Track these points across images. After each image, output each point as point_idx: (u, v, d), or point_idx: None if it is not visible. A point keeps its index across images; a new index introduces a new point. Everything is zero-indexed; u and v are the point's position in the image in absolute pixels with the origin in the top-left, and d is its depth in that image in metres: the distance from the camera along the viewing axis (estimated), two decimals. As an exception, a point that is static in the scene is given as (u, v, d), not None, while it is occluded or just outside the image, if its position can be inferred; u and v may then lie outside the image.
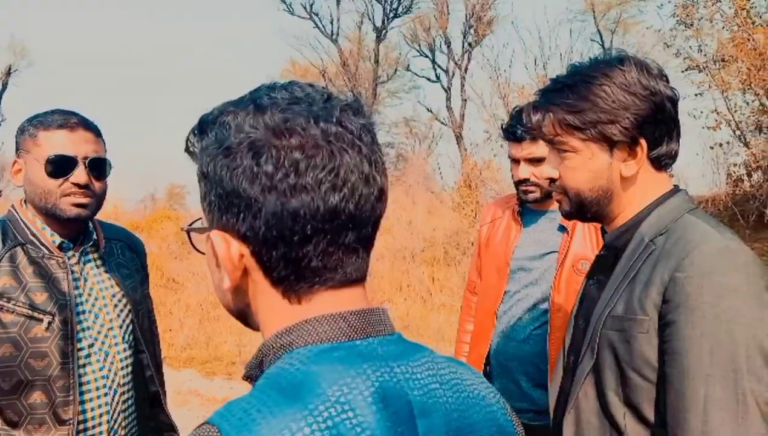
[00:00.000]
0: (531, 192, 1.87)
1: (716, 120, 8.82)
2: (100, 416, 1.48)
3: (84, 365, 1.45)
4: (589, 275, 1.23)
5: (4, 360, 1.37)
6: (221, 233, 0.58)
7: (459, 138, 15.82)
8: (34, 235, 1.45)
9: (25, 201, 1.49)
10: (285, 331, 0.58)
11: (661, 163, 1.11)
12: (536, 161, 1.83)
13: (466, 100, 15.75)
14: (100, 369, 1.49)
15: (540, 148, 1.81)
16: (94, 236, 1.55)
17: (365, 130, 0.59)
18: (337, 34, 17.22)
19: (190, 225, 0.63)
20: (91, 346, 1.48)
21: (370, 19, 17.26)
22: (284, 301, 0.59)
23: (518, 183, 1.89)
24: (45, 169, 1.39)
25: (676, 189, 1.13)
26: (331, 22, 17.14)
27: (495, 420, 0.62)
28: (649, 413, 1.02)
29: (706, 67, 8.79)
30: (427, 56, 17.51)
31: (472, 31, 15.85)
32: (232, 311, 0.64)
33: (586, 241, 1.84)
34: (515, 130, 1.84)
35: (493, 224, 2.04)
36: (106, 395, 1.49)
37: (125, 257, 1.62)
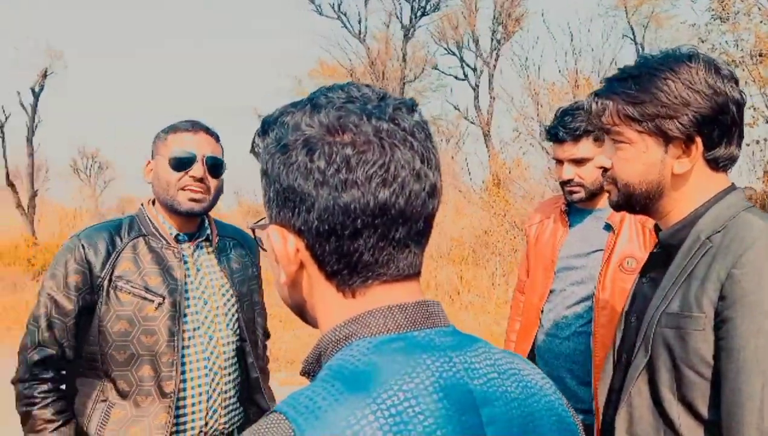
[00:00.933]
0: (576, 192, 1.88)
1: (753, 116, 8.59)
2: (200, 394, 1.63)
3: (188, 346, 1.61)
4: (642, 273, 1.23)
5: (120, 335, 1.55)
6: (279, 227, 0.61)
7: (487, 136, 15.70)
8: (155, 228, 1.64)
9: (152, 201, 1.69)
10: (343, 324, 0.60)
11: (719, 164, 1.10)
12: (579, 162, 1.85)
13: (494, 98, 15.62)
14: (203, 351, 1.64)
15: (581, 149, 1.84)
16: (208, 232, 1.72)
17: (419, 127, 0.60)
18: (365, 34, 17.24)
19: (256, 223, 0.66)
20: (196, 329, 1.64)
21: (398, 17, 17.26)
22: (339, 295, 0.61)
23: (563, 184, 1.91)
24: (169, 163, 1.58)
25: (732, 187, 1.11)
26: (359, 22, 17.18)
27: (554, 410, 0.63)
28: (704, 410, 1.02)
29: (743, 62, 8.56)
30: (454, 54, 17.41)
31: (500, 27, 15.71)
32: (291, 307, 0.67)
33: (633, 239, 1.84)
34: (557, 131, 1.86)
35: (541, 224, 2.06)
36: (206, 375, 1.64)
37: (236, 253, 1.78)
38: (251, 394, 1.76)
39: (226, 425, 1.68)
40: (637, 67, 1.11)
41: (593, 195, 1.89)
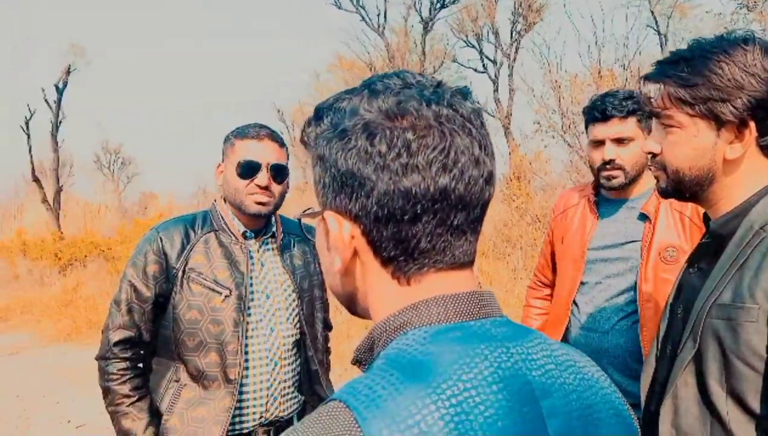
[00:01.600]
0: (615, 177, 1.81)
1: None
2: (261, 382, 1.73)
3: (251, 336, 1.71)
4: (689, 263, 1.20)
5: (190, 322, 1.67)
6: (334, 213, 0.60)
7: (507, 129, 15.58)
8: (226, 224, 1.76)
9: (224, 197, 1.78)
10: (398, 313, 0.59)
11: None
12: (622, 142, 1.79)
13: (514, 90, 15.49)
14: (265, 342, 1.74)
15: (628, 127, 1.77)
16: (274, 229, 1.82)
17: (475, 114, 0.60)
18: (384, 27, 17.19)
19: (304, 212, 0.66)
20: (259, 321, 1.74)
21: (417, 10, 17.17)
22: (394, 282, 0.60)
23: (601, 167, 1.83)
24: (236, 171, 1.69)
25: None
26: (378, 15, 17.14)
27: (611, 403, 0.62)
28: (754, 403, 0.99)
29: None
30: (474, 47, 17.28)
31: (521, 19, 15.55)
32: (341, 296, 0.66)
33: (671, 228, 1.78)
34: (605, 107, 1.78)
35: (565, 215, 2.00)
36: (267, 365, 1.74)
37: (299, 249, 1.87)
38: (311, 384, 1.85)
39: (285, 413, 1.78)
40: (689, 50, 1.08)
41: (632, 180, 1.82)
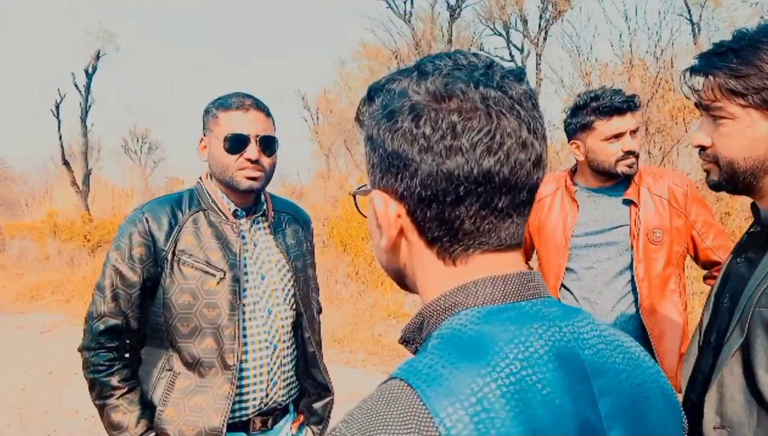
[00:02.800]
0: (634, 163, 1.93)
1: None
2: (261, 366, 1.65)
3: (248, 319, 1.63)
4: (737, 253, 1.19)
5: (183, 307, 1.58)
6: (381, 192, 0.61)
7: (533, 119, 15.39)
8: (214, 202, 1.66)
9: (209, 174, 1.69)
10: (449, 293, 0.59)
11: None
12: (634, 132, 1.92)
13: (541, 79, 15.30)
14: (263, 324, 1.66)
15: (638, 120, 1.91)
16: (265, 207, 1.73)
17: (526, 96, 0.59)
18: (411, 15, 17.07)
19: (358, 189, 0.67)
20: (256, 303, 1.66)
21: (443, -2, 17.00)
22: (439, 262, 0.60)
23: (621, 158, 1.93)
24: (223, 146, 1.58)
25: None
26: (405, 2, 17.01)
27: (658, 382, 0.62)
28: None
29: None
30: (501, 35, 17.10)
31: (550, 6, 15.32)
32: (390, 271, 0.67)
33: (654, 211, 1.93)
34: (621, 104, 1.88)
35: (542, 204, 2.08)
36: (266, 348, 1.66)
37: (291, 227, 1.80)
38: (308, 367, 1.79)
39: (284, 398, 1.72)
40: (735, 41, 1.06)
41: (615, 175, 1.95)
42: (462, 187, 0.56)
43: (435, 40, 17.25)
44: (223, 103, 1.61)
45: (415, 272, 0.63)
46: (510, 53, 17.02)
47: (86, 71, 16.14)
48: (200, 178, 1.71)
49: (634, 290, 1.91)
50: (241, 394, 1.62)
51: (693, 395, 1.17)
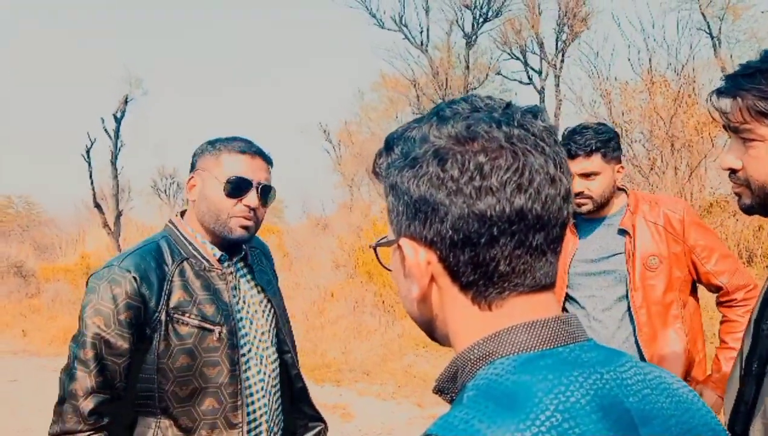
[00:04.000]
0: (584, 204, 2.01)
1: None
2: (261, 416, 1.57)
3: (246, 370, 1.54)
4: None
5: (181, 370, 1.44)
6: (409, 240, 0.60)
7: (555, 140, 15.33)
8: (195, 249, 1.53)
9: (181, 214, 1.58)
10: (483, 341, 0.58)
11: None
12: (588, 176, 1.98)
13: (561, 100, 15.27)
14: (258, 372, 1.58)
15: (593, 164, 1.99)
16: (244, 247, 1.64)
17: (547, 132, 0.59)
18: (427, 44, 17.29)
19: (379, 241, 0.66)
20: (249, 351, 1.57)
21: (459, 25, 17.20)
22: (474, 308, 0.59)
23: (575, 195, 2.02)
24: (223, 188, 1.48)
25: None
26: (421, 33, 17.24)
27: (708, 425, 0.59)
28: None
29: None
30: (518, 59, 17.17)
31: (566, 28, 15.37)
32: (419, 322, 0.65)
33: (649, 239, 1.99)
34: (569, 147, 1.97)
35: None
36: (264, 396, 1.59)
37: (263, 264, 1.72)
38: (298, 404, 1.73)
39: None
40: (763, 61, 1.05)
41: (600, 206, 2.03)
42: (495, 227, 0.56)
43: (452, 68, 17.40)
44: (227, 145, 1.52)
45: (447, 320, 0.61)
46: (528, 76, 17.06)
47: (115, 116, 16.62)
48: (170, 222, 1.58)
49: (632, 317, 1.97)
50: None
51: (737, 427, 1.12)
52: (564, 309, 2.07)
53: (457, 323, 0.60)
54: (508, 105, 0.60)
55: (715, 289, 2.01)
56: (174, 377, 1.44)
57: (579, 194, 2.00)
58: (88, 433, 1.39)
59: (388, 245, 0.64)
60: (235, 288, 1.58)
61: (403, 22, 17.11)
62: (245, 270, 1.65)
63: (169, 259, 1.49)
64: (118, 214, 16.37)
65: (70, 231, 19.59)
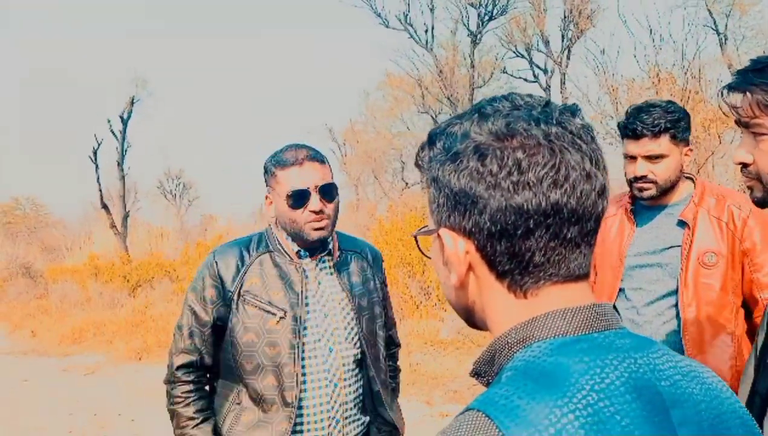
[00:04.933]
0: (647, 189, 1.86)
1: None
2: (321, 405, 1.70)
3: (309, 357, 1.69)
4: None
5: (247, 345, 1.67)
6: (449, 230, 0.63)
7: (561, 138, 15.31)
8: (280, 244, 1.75)
9: (277, 222, 1.77)
10: (520, 326, 0.61)
11: None
12: (654, 158, 1.83)
13: (567, 98, 15.23)
14: (324, 363, 1.71)
15: (660, 146, 1.82)
16: (330, 247, 1.79)
17: (585, 130, 0.61)
18: (432, 43, 17.28)
19: (420, 230, 0.69)
20: (317, 341, 1.71)
21: (464, 24, 17.19)
22: (510, 296, 0.62)
23: (633, 180, 1.88)
24: (287, 203, 1.66)
25: None
26: (426, 32, 17.23)
27: (737, 412, 0.62)
28: None
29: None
30: (523, 57, 17.14)
31: (572, 26, 15.33)
32: (458, 309, 0.69)
33: (709, 234, 1.83)
34: (635, 126, 1.83)
35: (605, 223, 2.01)
36: (327, 386, 1.70)
37: (357, 265, 1.84)
38: (374, 406, 1.80)
39: (349, 435, 1.75)
40: None
41: (664, 192, 1.88)
42: (531, 220, 0.58)
43: (458, 66, 17.39)
44: (279, 161, 1.69)
45: (484, 307, 0.64)
46: (534, 74, 17.04)
47: (121, 117, 16.70)
48: (270, 223, 1.81)
49: (678, 314, 1.83)
50: (301, 432, 1.68)
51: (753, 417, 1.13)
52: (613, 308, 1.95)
53: (495, 309, 0.63)
54: (548, 103, 0.62)
55: (752, 301, 1.83)
56: (241, 351, 1.67)
57: (642, 178, 1.85)
58: (176, 384, 1.72)
59: (429, 233, 0.67)
60: (314, 282, 1.75)
61: (408, 21, 17.10)
62: (332, 269, 1.79)
63: (254, 250, 1.74)
64: (126, 215, 16.45)
65: (77, 232, 19.70)
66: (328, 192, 1.68)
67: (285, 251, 1.74)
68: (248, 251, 1.73)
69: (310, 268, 1.75)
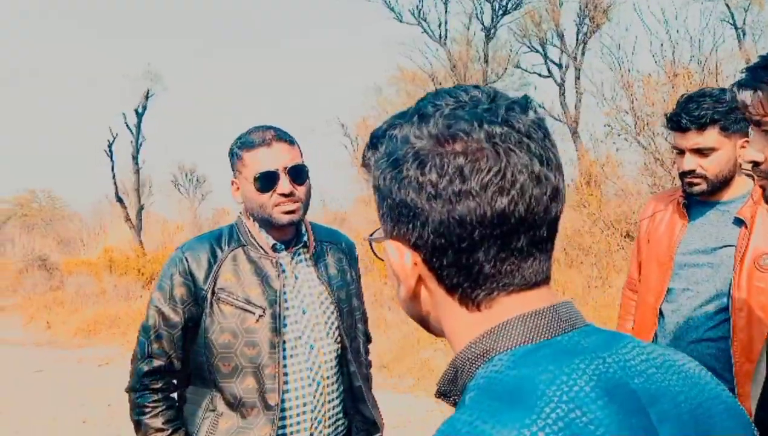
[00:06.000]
0: (696, 184, 1.77)
1: None
2: (304, 405, 1.61)
3: (290, 356, 1.60)
4: None
5: (223, 347, 1.56)
6: (395, 242, 0.60)
7: (575, 134, 15.20)
8: (253, 237, 1.64)
9: (247, 211, 1.67)
10: (478, 340, 0.57)
11: None
12: (702, 152, 1.74)
13: (581, 93, 15.10)
14: (306, 361, 1.62)
15: (706, 139, 1.72)
16: (306, 238, 1.70)
17: (534, 126, 0.56)
18: (446, 37, 17.20)
19: (371, 235, 0.65)
20: (298, 338, 1.62)
21: (478, 18, 17.09)
22: (462, 309, 0.59)
23: (683, 175, 1.79)
24: (254, 186, 1.57)
25: None
26: (439, 26, 17.15)
27: (720, 398, 0.58)
28: None
29: None
30: (538, 51, 17.01)
31: (587, 20, 15.18)
32: (413, 318, 0.65)
33: None
34: (679, 118, 1.75)
35: (653, 218, 1.94)
36: (309, 385, 1.62)
37: (334, 257, 1.75)
38: (355, 403, 1.73)
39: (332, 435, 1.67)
40: None
41: (716, 188, 1.77)
42: (476, 232, 0.54)
43: (471, 61, 17.29)
44: (245, 143, 1.59)
45: (440, 319, 0.61)
46: (548, 69, 16.90)
47: (136, 111, 16.81)
48: (240, 213, 1.70)
49: (729, 319, 1.71)
50: (284, 435, 1.59)
51: (762, 414, 1.12)
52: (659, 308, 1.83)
53: (451, 323, 0.60)
54: (495, 97, 0.58)
55: None
56: (217, 353, 1.56)
57: (690, 173, 1.76)
58: (142, 392, 1.58)
59: (379, 241, 0.64)
60: (291, 276, 1.65)
61: (422, 15, 17.03)
62: (309, 261, 1.69)
63: (225, 244, 1.63)
64: (140, 209, 16.58)
65: (92, 225, 19.89)
66: (299, 174, 1.58)
67: (259, 245, 1.63)
68: (220, 246, 1.62)
69: (287, 261, 1.65)
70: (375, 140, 0.61)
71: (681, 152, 1.79)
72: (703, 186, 1.77)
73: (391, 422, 4.71)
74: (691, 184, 1.79)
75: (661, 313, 1.85)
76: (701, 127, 1.72)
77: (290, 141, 1.61)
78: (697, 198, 1.85)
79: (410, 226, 0.57)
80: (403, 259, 0.59)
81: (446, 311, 0.60)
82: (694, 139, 1.74)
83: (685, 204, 1.86)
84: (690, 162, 1.76)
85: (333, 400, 1.67)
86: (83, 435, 5.06)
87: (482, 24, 17.05)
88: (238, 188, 1.64)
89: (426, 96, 0.60)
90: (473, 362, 0.57)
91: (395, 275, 0.61)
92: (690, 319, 1.77)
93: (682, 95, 1.83)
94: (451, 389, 0.60)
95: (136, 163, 16.92)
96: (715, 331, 1.74)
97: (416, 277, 0.60)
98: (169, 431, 1.56)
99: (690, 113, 1.73)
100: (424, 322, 0.64)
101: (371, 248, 0.68)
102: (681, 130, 1.76)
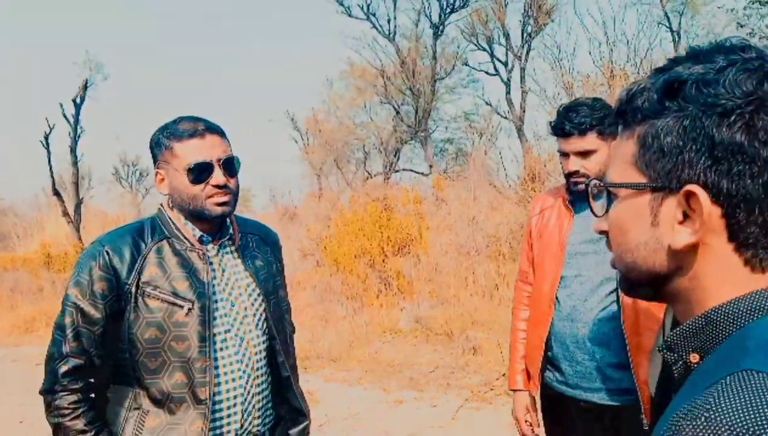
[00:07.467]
0: (581, 183, 1.97)
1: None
2: (235, 397, 1.60)
3: (221, 349, 1.58)
4: None
5: (150, 342, 1.51)
6: (700, 188, 0.56)
7: (520, 131, 15.59)
8: (178, 229, 1.60)
9: (170, 203, 1.63)
10: (750, 296, 0.56)
11: None
12: (585, 154, 1.93)
13: (526, 92, 15.49)
14: (236, 353, 1.61)
15: (588, 142, 1.94)
16: (231, 230, 1.68)
17: None
18: (395, 33, 17.30)
19: (625, 184, 0.62)
20: (227, 331, 1.61)
21: (427, 15, 17.26)
22: (745, 269, 0.57)
23: (568, 175, 2.00)
24: (187, 178, 1.53)
25: None
26: (388, 22, 17.24)
27: None
28: None
29: (785, 45, 8.29)
30: (485, 50, 17.32)
31: (531, 21, 15.57)
32: (644, 273, 0.63)
33: None
34: (563, 126, 1.94)
35: (542, 215, 2.15)
36: (240, 378, 1.61)
37: (260, 249, 1.74)
38: (283, 393, 1.74)
39: (260, 427, 1.67)
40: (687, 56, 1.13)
41: None
42: None
43: (420, 57, 17.46)
44: (174, 133, 1.55)
45: (698, 275, 0.59)
46: (494, 67, 17.25)
47: (74, 101, 16.19)
48: (161, 205, 1.65)
49: (618, 299, 1.92)
50: (215, 428, 1.56)
51: (659, 395, 1.21)
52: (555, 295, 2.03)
53: (716, 279, 0.58)
54: None
55: None
56: (143, 348, 1.51)
57: (575, 173, 1.96)
58: (61, 393, 1.50)
59: (638, 188, 0.60)
60: (219, 269, 1.63)
61: (371, 11, 17.07)
62: (235, 254, 1.68)
63: (148, 237, 1.57)
64: (79, 202, 15.99)
65: (29, 219, 19.07)
66: (231, 166, 1.57)
67: (184, 237, 1.59)
68: (142, 239, 1.56)
69: (213, 254, 1.63)
70: (677, 85, 0.58)
71: (565, 155, 1.99)
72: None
73: (342, 413, 4.75)
74: (576, 184, 1.98)
75: (557, 299, 2.03)
76: (582, 133, 1.91)
77: (221, 133, 1.59)
78: (580, 195, 2.04)
79: (731, 173, 0.54)
80: (704, 207, 0.56)
81: (722, 267, 0.58)
82: (577, 143, 1.93)
83: (570, 200, 2.06)
84: (574, 163, 1.95)
85: (262, 391, 1.67)
86: (21, 435, 4.90)
87: (431, 21, 17.25)
88: (163, 179, 1.60)
89: (731, 48, 0.60)
90: (740, 316, 0.56)
91: (655, 225, 0.59)
92: (585, 302, 1.96)
93: (561, 105, 2.02)
94: (684, 344, 0.59)
95: (75, 156, 16.31)
96: (607, 311, 1.94)
97: (697, 231, 0.57)
98: (93, 432, 1.50)
99: (572, 121, 1.93)
100: (658, 278, 0.62)
101: (609, 192, 0.65)
102: (565, 136, 1.95)
